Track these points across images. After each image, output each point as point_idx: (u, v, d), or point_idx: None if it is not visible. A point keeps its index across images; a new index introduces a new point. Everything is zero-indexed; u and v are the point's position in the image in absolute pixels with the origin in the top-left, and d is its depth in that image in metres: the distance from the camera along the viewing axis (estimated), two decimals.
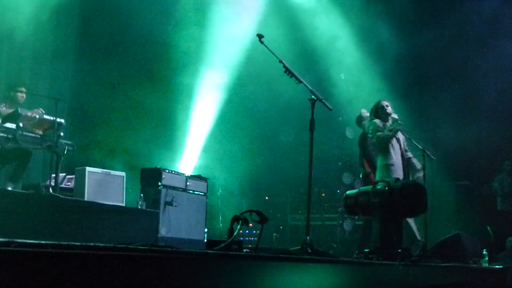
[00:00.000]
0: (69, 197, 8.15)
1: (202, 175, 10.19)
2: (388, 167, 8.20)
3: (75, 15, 11.32)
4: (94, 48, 11.42)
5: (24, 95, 8.64)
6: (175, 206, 9.32)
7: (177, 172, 9.87)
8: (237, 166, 12.18)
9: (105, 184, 8.39)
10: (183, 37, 11.48)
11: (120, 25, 11.27)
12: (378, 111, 8.47)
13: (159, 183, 9.24)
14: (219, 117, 11.87)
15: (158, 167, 9.44)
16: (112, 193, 8.42)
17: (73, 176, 8.65)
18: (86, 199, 8.16)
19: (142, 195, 9.11)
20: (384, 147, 8.30)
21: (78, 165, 8.64)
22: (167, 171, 9.44)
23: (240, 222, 4.79)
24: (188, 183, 9.74)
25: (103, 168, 8.67)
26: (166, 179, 9.33)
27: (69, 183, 8.75)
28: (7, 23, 10.34)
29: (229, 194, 12.24)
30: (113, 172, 8.63)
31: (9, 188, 8.19)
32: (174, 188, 9.45)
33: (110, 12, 11.08)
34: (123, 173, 8.73)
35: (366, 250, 6.63)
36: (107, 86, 11.14)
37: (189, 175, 10.05)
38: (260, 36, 6.53)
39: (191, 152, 11.65)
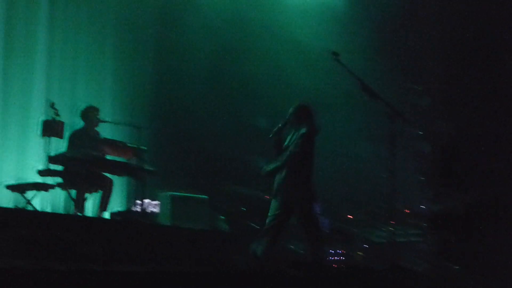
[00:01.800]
0: (154, 222, 8.29)
1: None
2: None
3: (151, 40, 11.57)
4: (170, 73, 11.61)
5: (99, 116, 8.81)
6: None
7: None
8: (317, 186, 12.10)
9: (189, 208, 8.49)
10: None
11: (193, 48, 11.43)
12: None
13: (243, 208, 9.30)
14: None
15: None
16: (196, 216, 8.51)
17: (158, 201, 8.80)
18: (171, 223, 8.28)
19: (224, 217, 9.18)
20: None
21: (161, 191, 8.79)
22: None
23: None
24: None
25: (186, 193, 8.77)
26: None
27: (154, 209, 8.90)
28: (86, 52, 10.70)
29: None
30: (196, 196, 8.73)
31: (97, 216, 8.42)
32: None
33: (183, 35, 11.28)
34: (206, 197, 8.81)
35: None
36: (185, 111, 11.29)
37: None
38: (335, 54, 6.50)
39: None
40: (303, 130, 6.93)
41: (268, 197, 10.11)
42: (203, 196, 8.88)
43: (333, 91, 11.61)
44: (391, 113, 6.29)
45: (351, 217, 12.31)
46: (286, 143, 7.07)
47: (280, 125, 7.09)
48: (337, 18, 11.56)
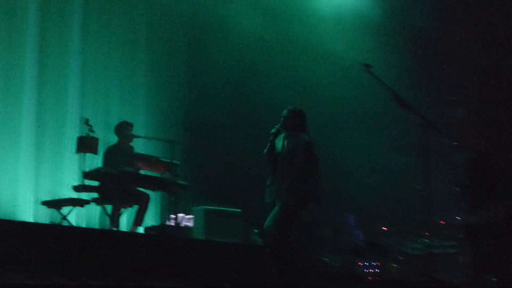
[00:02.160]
0: (188, 237, 8.33)
1: None
2: None
3: (183, 56, 11.66)
4: (202, 88, 11.67)
5: (133, 132, 8.88)
6: None
7: None
8: (351, 198, 12.04)
9: (223, 222, 8.51)
10: None
11: (224, 63, 11.48)
12: None
13: None
14: None
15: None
16: (229, 230, 8.52)
17: (191, 215, 8.84)
18: (204, 237, 8.31)
19: (256, 231, 9.17)
20: None
21: (195, 205, 8.83)
22: None
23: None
24: None
25: (220, 207, 8.79)
26: None
27: (188, 223, 8.94)
28: (119, 68, 10.82)
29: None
30: (229, 210, 8.74)
31: (131, 231, 8.48)
32: None
33: (213, 51, 11.34)
34: (239, 210, 8.82)
35: None
36: (217, 125, 11.33)
37: None
38: (367, 66, 6.47)
39: None
40: (305, 138, 6.82)
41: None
42: (237, 209, 8.89)
43: (366, 103, 11.57)
44: (425, 124, 6.24)
45: (385, 229, 12.23)
46: (278, 146, 6.86)
47: (278, 127, 6.88)
48: (371, 28, 11.53)
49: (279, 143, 6.91)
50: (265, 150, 6.90)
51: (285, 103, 11.42)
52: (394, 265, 11.71)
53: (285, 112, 7.01)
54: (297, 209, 6.68)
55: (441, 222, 11.89)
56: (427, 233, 7.73)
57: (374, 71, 6.45)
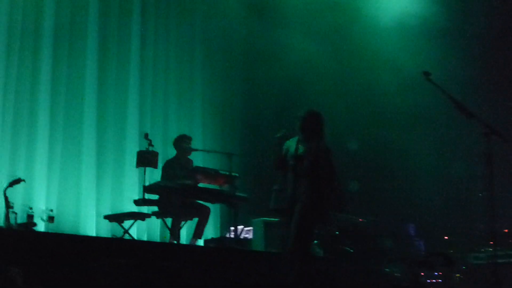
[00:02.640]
0: (248, 249, 8.34)
1: None
2: None
3: (239, 69, 11.73)
4: (258, 100, 11.70)
5: (191, 145, 8.95)
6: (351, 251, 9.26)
7: None
8: (413, 207, 11.88)
9: (282, 233, 8.49)
10: None
11: (282, 76, 11.50)
12: None
13: (336, 232, 9.22)
14: None
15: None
16: None
17: (251, 227, 8.85)
18: (264, 249, 8.31)
19: (316, 241, 9.12)
20: None
21: (254, 217, 8.84)
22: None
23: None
24: None
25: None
26: None
27: (247, 235, 8.95)
28: (176, 83, 10.95)
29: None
30: None
31: (190, 243, 8.54)
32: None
33: (270, 63, 11.37)
34: None
35: None
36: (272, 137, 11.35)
37: None
38: (427, 74, 6.35)
39: None
40: (325, 145, 6.49)
41: (361, 219, 10.05)
42: None
43: (428, 111, 11.44)
44: (488, 131, 6.09)
45: (446, 238, 12.01)
46: (292, 150, 6.52)
47: (284, 131, 6.58)
48: (435, 35, 11.40)
49: (292, 146, 6.56)
50: (274, 156, 6.59)
51: (344, 113, 11.49)
52: (458, 275, 11.49)
53: (302, 113, 6.60)
54: (317, 213, 6.38)
55: (505, 230, 11.62)
56: (491, 242, 7.53)
57: (438, 79, 6.31)
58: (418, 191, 12.21)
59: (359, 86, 11.75)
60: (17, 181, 7.70)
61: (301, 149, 6.48)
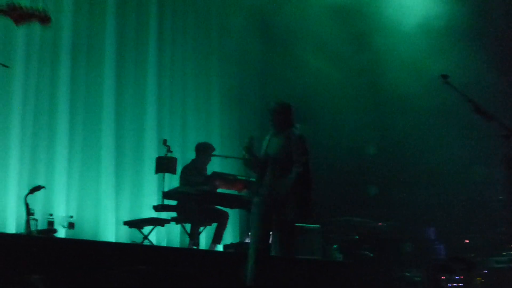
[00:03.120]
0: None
1: None
2: None
3: (256, 75, 11.74)
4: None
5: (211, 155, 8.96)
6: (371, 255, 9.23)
7: None
8: (433, 210, 11.82)
9: (301, 238, 8.47)
10: None
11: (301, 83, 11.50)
12: None
13: (355, 237, 9.20)
14: None
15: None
16: (308, 246, 8.49)
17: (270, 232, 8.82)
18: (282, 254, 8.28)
19: (336, 246, 9.10)
20: None
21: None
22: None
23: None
24: None
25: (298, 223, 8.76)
26: None
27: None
28: (194, 90, 10.98)
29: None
30: (308, 226, 8.71)
31: (209, 248, 8.56)
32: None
33: (288, 70, 11.38)
34: (318, 226, 8.78)
35: None
36: None
37: None
38: (444, 77, 6.31)
39: None
40: (296, 132, 6.50)
41: (381, 224, 10.01)
42: (315, 225, 8.84)
43: (448, 114, 11.38)
44: (508, 133, 6.03)
45: (467, 241, 11.93)
46: (264, 146, 6.60)
47: (248, 139, 6.61)
48: (458, 38, 11.34)
49: (265, 143, 6.65)
50: (246, 156, 6.61)
51: (363, 117, 11.47)
52: (479, 279, 11.40)
53: (270, 106, 6.68)
54: (299, 219, 6.51)
55: None
56: None
57: (461, 82, 6.26)
58: (438, 194, 12.14)
59: (378, 90, 11.73)
60: (37, 188, 7.75)
61: (272, 144, 6.59)
